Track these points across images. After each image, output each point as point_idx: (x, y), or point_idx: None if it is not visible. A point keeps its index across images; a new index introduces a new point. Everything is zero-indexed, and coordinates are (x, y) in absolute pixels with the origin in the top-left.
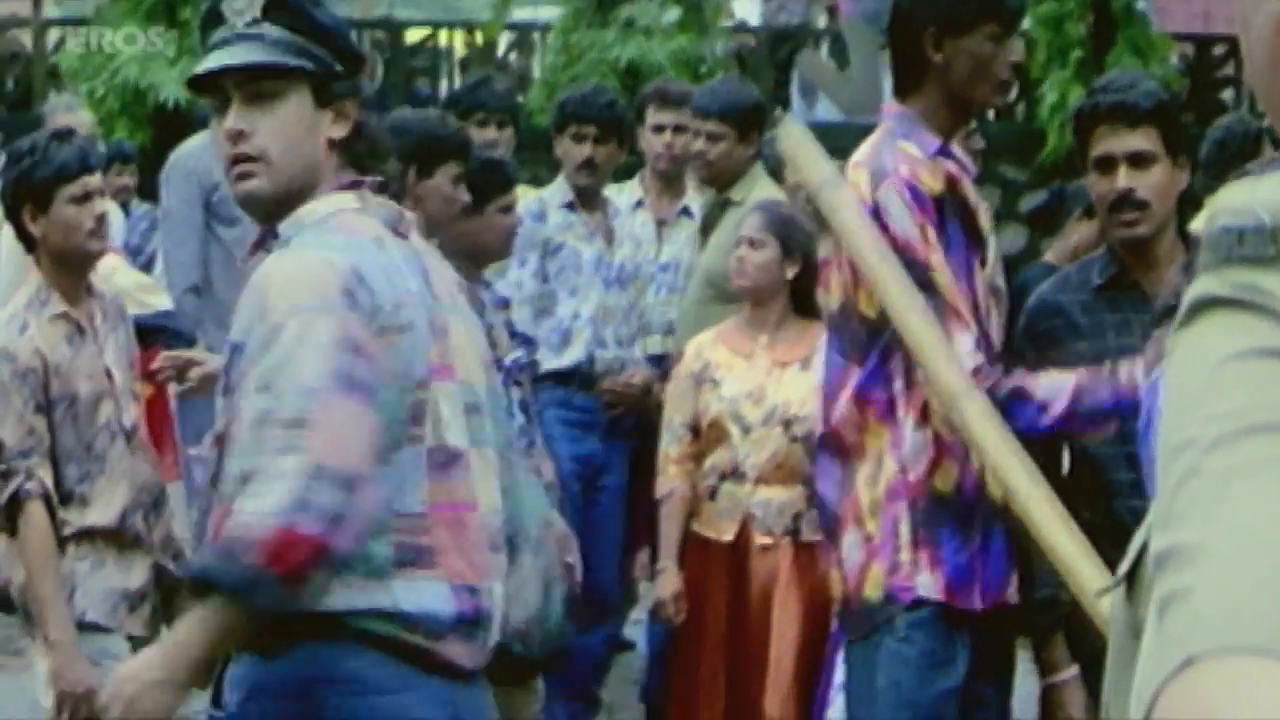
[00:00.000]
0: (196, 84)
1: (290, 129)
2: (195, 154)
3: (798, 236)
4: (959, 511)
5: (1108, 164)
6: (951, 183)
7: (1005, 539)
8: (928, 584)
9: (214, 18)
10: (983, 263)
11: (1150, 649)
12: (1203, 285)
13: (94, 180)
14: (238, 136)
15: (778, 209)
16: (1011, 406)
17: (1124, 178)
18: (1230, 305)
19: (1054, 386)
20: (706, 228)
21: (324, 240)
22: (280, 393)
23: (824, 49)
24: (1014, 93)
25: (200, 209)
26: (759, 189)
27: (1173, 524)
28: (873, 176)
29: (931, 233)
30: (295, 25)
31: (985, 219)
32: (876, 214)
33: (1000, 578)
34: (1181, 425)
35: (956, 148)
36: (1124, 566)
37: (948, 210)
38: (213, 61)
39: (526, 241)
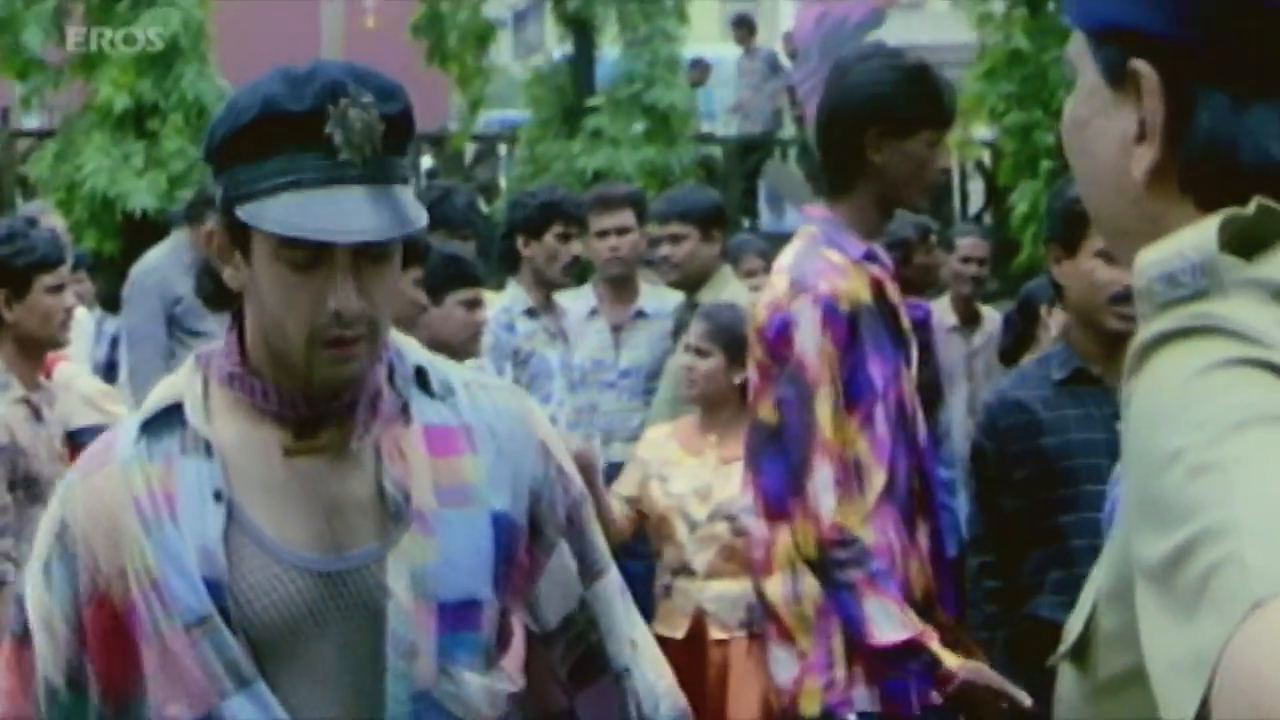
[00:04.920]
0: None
1: (393, 294)
2: (156, 268)
3: (744, 342)
4: None
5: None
6: (877, 286)
7: None
8: (864, 698)
9: (298, 131)
10: (908, 362)
11: (1188, 633)
12: (1150, 329)
13: (65, 272)
14: (356, 315)
15: (722, 315)
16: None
17: None
18: (1182, 334)
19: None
20: (678, 330)
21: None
22: None
23: (791, 158)
24: (983, 202)
25: (163, 324)
26: (728, 290)
27: (1186, 519)
28: (792, 286)
29: (833, 359)
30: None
31: (905, 319)
32: (786, 325)
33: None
34: (1163, 441)
35: (878, 248)
36: (1073, 636)
37: (872, 317)
38: (355, 222)
39: (501, 352)
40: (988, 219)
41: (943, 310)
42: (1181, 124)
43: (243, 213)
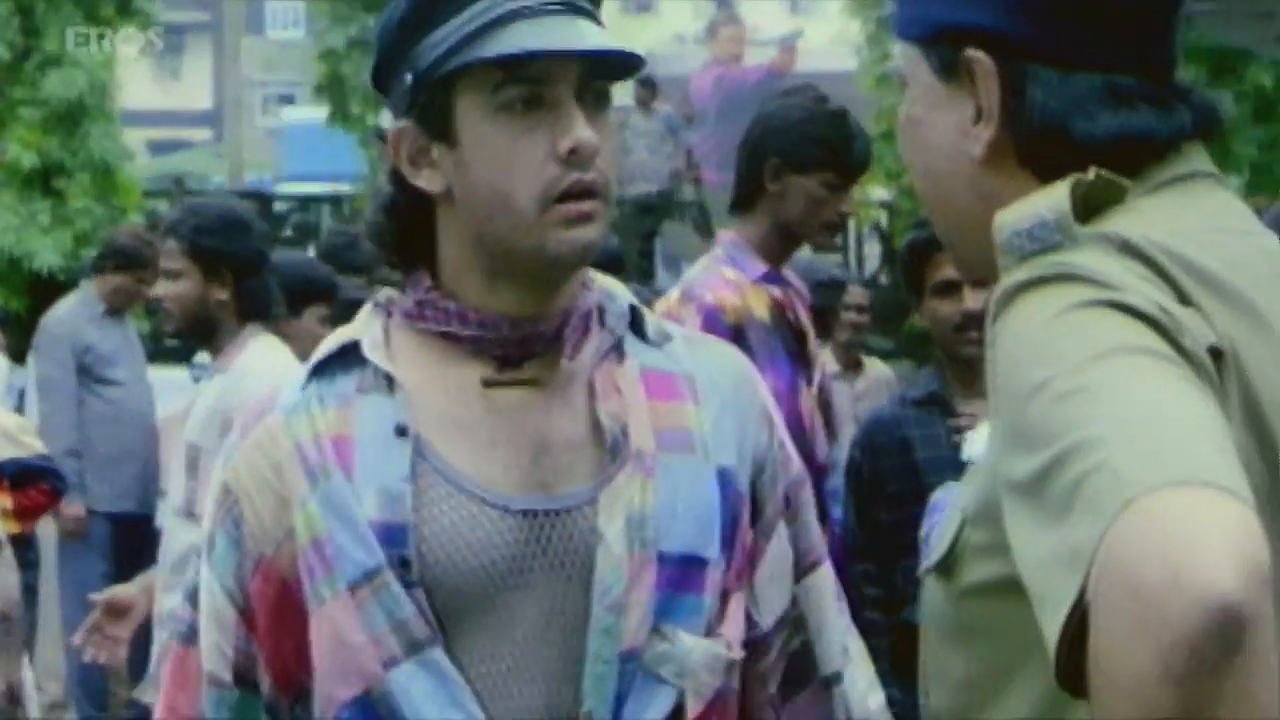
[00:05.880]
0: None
1: (613, 150)
2: (65, 319)
3: None
4: None
5: (950, 288)
6: (777, 306)
7: None
8: None
9: None
10: (809, 381)
11: (1062, 534)
12: (1011, 278)
13: None
14: (592, 149)
15: None
16: None
17: (969, 299)
18: (1042, 282)
19: None
20: None
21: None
22: None
23: (688, 219)
24: (878, 264)
25: (73, 373)
26: None
27: (1054, 439)
28: (682, 296)
29: None
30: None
31: (813, 343)
32: None
33: None
34: (1029, 375)
35: (791, 275)
36: (938, 554)
37: (765, 332)
38: (584, 40)
39: None
40: (884, 280)
41: (825, 357)
42: (1015, 104)
43: (456, 61)
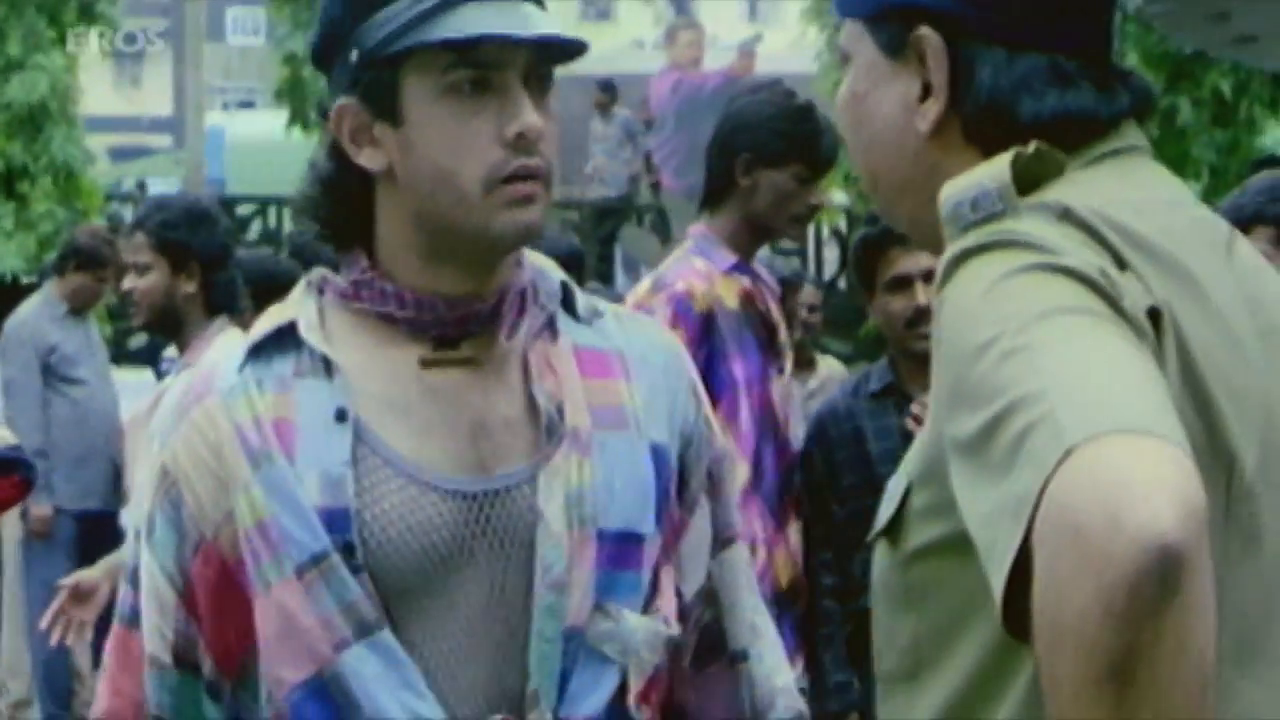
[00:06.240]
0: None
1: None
2: (29, 321)
3: None
4: None
5: (903, 284)
6: (747, 296)
7: (791, 625)
8: None
9: None
10: (780, 371)
11: (1006, 486)
12: (956, 246)
13: None
14: (538, 134)
15: None
16: None
17: (922, 294)
18: (985, 249)
19: None
20: None
21: None
22: None
23: (647, 223)
24: (836, 268)
25: (38, 374)
26: None
27: (998, 395)
28: (654, 285)
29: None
30: None
31: (784, 334)
32: None
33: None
34: (973, 337)
35: (760, 268)
36: (885, 519)
37: (735, 321)
38: (532, 27)
39: None
40: (841, 284)
41: None
42: (961, 81)
43: (405, 41)
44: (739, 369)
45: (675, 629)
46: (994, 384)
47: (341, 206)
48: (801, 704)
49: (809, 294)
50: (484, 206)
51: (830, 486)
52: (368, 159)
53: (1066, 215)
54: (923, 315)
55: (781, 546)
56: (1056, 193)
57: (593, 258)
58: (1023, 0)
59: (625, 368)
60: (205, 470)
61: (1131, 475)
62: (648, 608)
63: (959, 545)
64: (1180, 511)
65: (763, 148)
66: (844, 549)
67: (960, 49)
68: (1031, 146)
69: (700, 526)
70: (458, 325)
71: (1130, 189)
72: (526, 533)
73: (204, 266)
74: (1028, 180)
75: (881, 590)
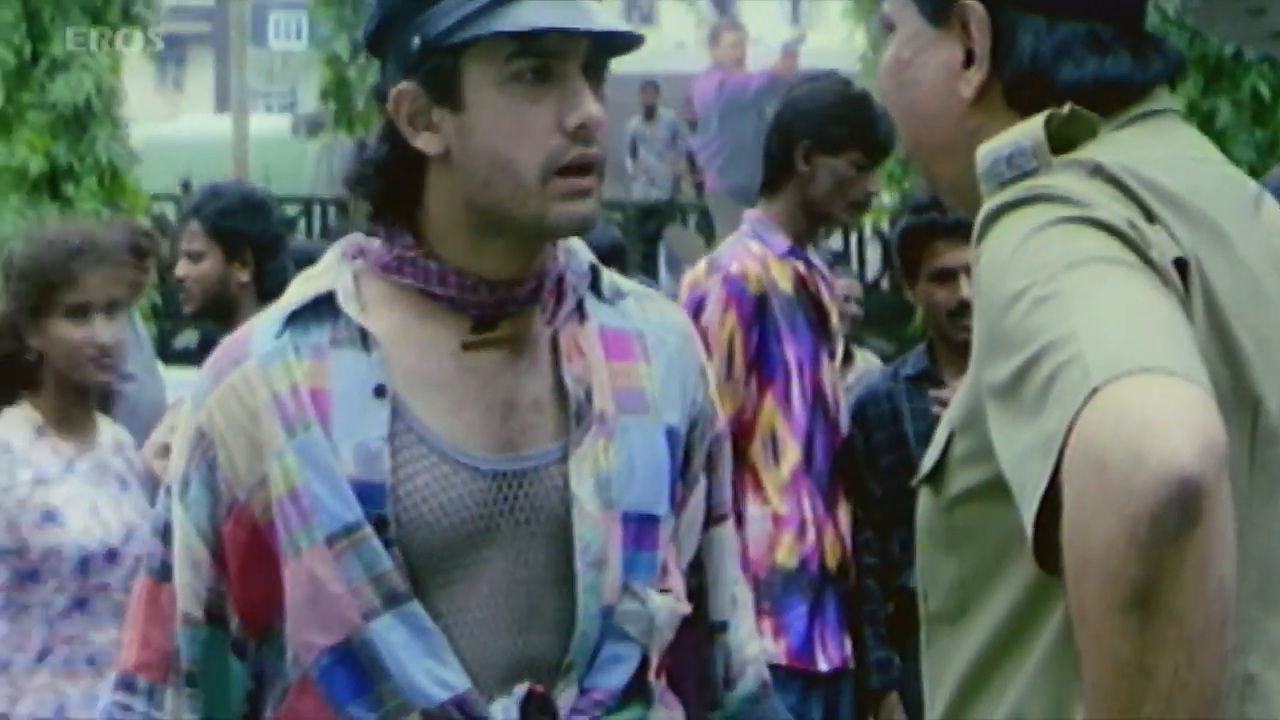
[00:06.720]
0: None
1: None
2: None
3: None
4: (801, 583)
5: (946, 276)
6: (800, 280)
7: (838, 603)
8: (772, 650)
9: None
10: (831, 355)
11: (1037, 426)
12: (993, 201)
13: None
14: (597, 124)
15: None
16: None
17: (965, 287)
18: (1020, 203)
19: None
20: None
21: None
22: None
23: (691, 223)
24: (879, 268)
25: None
26: None
27: (1030, 341)
28: (709, 266)
29: (734, 333)
30: None
31: (835, 319)
32: (699, 300)
33: (837, 640)
34: (1007, 286)
35: (813, 255)
36: (929, 464)
37: (788, 303)
38: (594, 20)
39: None
40: (885, 285)
41: None
42: (1003, 48)
43: (473, 30)
44: (791, 351)
45: (687, 607)
46: (1026, 330)
47: (392, 185)
48: (766, 673)
49: (846, 286)
50: (540, 195)
51: (870, 466)
52: (425, 142)
53: (1097, 171)
54: (965, 308)
55: (831, 527)
56: (1089, 152)
57: (637, 256)
58: None
59: (645, 349)
60: (241, 434)
61: (1153, 412)
62: (661, 586)
63: (998, 489)
64: (1199, 446)
65: (822, 134)
66: (883, 528)
67: (1001, 17)
68: (1066, 108)
69: (696, 503)
70: (497, 307)
71: (1160, 147)
72: (552, 511)
73: (258, 254)
74: (1062, 141)
75: (926, 535)
